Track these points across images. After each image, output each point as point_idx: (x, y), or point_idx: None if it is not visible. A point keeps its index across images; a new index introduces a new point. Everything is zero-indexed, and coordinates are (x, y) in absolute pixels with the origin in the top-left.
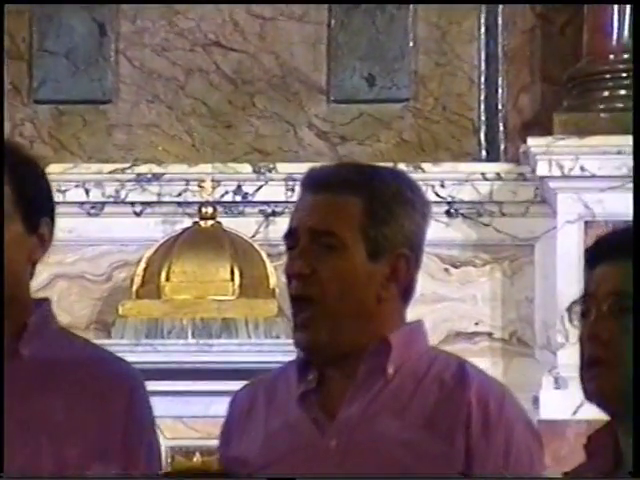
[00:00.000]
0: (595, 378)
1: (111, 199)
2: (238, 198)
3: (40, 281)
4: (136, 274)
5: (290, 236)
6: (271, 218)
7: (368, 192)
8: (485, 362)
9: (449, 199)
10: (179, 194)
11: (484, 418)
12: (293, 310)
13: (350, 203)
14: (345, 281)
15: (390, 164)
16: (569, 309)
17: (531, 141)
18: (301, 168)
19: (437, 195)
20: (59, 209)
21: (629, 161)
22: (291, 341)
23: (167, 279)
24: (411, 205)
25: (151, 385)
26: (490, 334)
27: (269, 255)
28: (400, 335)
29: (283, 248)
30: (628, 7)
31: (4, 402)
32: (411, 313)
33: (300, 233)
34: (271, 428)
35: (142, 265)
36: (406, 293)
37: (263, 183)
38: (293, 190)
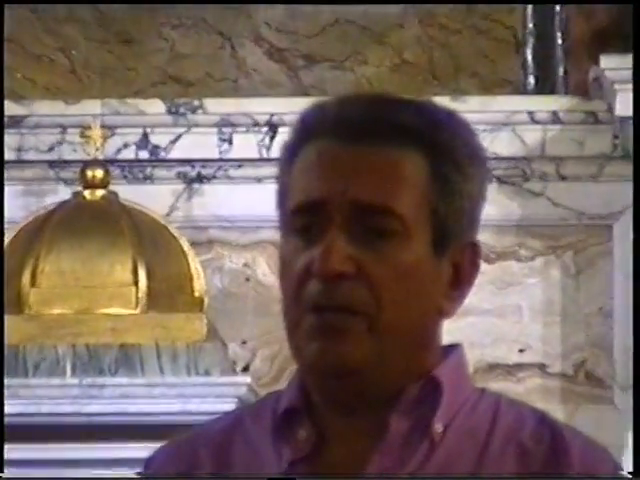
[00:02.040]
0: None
1: None
2: (144, 155)
3: None
4: None
5: (308, 212)
6: (196, 186)
7: (433, 144)
8: None
9: None
10: (50, 148)
11: None
12: (316, 317)
13: (411, 162)
14: (407, 285)
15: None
16: None
17: (607, 61)
18: (243, 106)
19: None
20: None
21: None
22: (230, 380)
23: (33, 283)
24: (479, 163)
25: (8, 452)
26: (543, 366)
27: (193, 244)
28: (449, 370)
29: (215, 232)
30: None
31: (3, 400)
32: None
33: (333, 208)
34: None
35: None
36: (462, 303)
37: (183, 130)
38: (230, 142)
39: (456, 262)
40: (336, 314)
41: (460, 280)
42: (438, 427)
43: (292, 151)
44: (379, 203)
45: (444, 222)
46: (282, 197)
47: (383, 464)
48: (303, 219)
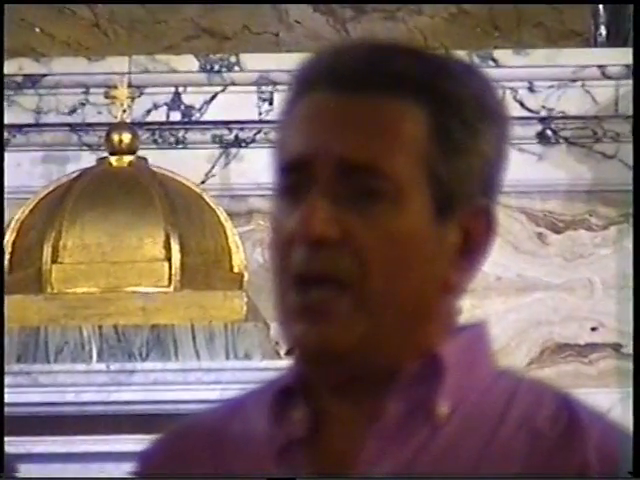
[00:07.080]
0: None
1: None
2: (176, 116)
3: None
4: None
5: (294, 171)
6: (234, 150)
7: (435, 95)
8: (609, 397)
9: (543, 113)
10: (72, 110)
11: None
12: (299, 293)
13: (408, 115)
14: (399, 253)
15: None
16: None
17: None
18: (285, 61)
19: (522, 106)
20: None
21: None
22: (272, 364)
23: (55, 259)
24: (493, 120)
25: (25, 444)
26: (617, 347)
27: (231, 215)
28: (457, 349)
29: (255, 201)
30: None
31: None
32: (474, 311)
33: (318, 167)
34: None
35: (11, 235)
36: (473, 275)
37: (219, 89)
38: (271, 101)
39: (466, 228)
40: (319, 289)
41: (471, 248)
42: (442, 410)
43: (287, 106)
44: (366, 161)
45: (447, 184)
46: (274, 155)
47: (381, 447)
48: (289, 178)
